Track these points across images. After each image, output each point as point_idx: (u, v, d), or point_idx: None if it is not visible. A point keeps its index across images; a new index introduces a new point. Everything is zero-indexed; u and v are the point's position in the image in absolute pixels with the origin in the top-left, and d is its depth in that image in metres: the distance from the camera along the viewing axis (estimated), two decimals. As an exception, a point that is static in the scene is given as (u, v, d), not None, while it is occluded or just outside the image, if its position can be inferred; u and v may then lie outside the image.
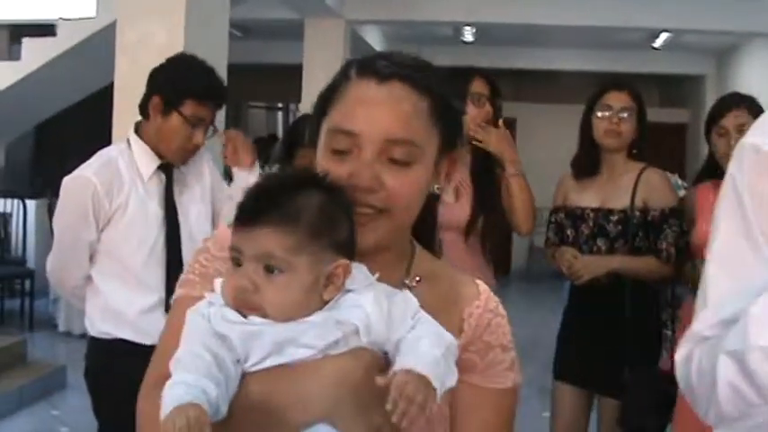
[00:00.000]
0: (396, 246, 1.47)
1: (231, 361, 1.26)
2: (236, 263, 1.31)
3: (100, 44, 7.58)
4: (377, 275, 1.36)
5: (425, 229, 1.55)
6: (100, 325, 3.29)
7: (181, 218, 3.32)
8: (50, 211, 9.62)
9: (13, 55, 8.20)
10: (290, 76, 12.42)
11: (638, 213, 3.76)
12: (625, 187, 3.81)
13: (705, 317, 1.41)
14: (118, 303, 3.25)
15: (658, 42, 11.61)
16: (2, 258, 9.28)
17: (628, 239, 3.75)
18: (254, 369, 1.27)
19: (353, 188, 1.36)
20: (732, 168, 1.42)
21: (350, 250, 1.34)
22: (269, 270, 1.28)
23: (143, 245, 3.24)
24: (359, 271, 1.35)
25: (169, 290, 3.22)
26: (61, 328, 8.48)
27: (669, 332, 4.06)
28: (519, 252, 14.78)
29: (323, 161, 1.42)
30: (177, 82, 3.25)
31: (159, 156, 3.30)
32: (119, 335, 3.23)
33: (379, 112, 1.38)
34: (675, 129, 14.34)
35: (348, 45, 9.76)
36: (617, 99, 3.89)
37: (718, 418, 1.37)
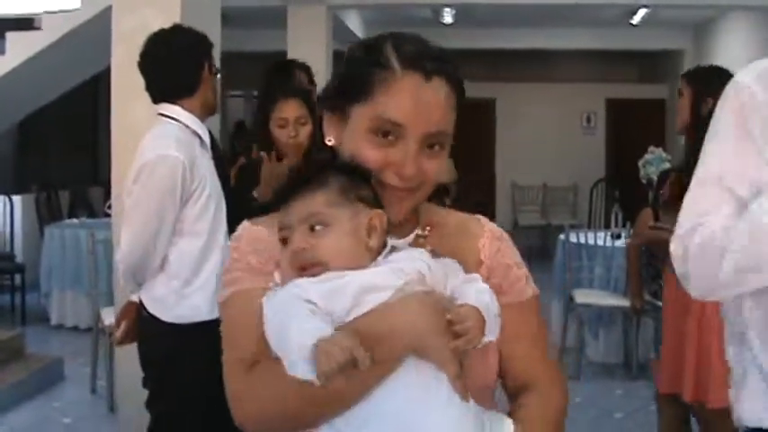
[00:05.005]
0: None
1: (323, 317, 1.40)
2: (284, 242, 1.51)
3: (85, 37, 7.57)
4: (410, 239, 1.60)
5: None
6: (175, 309, 3.29)
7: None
8: (37, 205, 9.63)
9: (-4, 50, 8.15)
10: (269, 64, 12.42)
11: None
12: None
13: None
14: (195, 282, 3.30)
15: (636, 19, 11.68)
16: (-10, 254, 9.28)
17: None
18: (339, 325, 1.40)
19: (398, 174, 1.55)
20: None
21: (378, 206, 1.53)
22: (314, 229, 1.48)
23: (217, 217, 3.33)
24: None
25: None
26: (54, 321, 8.46)
27: None
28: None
29: (360, 142, 1.57)
30: (204, 43, 3.44)
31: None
32: (193, 317, 3.26)
33: (427, 108, 1.54)
34: (655, 104, 14.46)
35: (330, 31, 9.79)
36: None
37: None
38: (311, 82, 4.69)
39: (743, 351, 1.91)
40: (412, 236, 1.59)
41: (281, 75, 4.66)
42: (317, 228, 1.47)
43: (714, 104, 3.87)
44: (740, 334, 1.91)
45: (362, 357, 1.32)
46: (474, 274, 1.56)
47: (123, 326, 3.54)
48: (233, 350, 1.54)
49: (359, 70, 1.58)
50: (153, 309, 3.34)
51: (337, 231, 1.47)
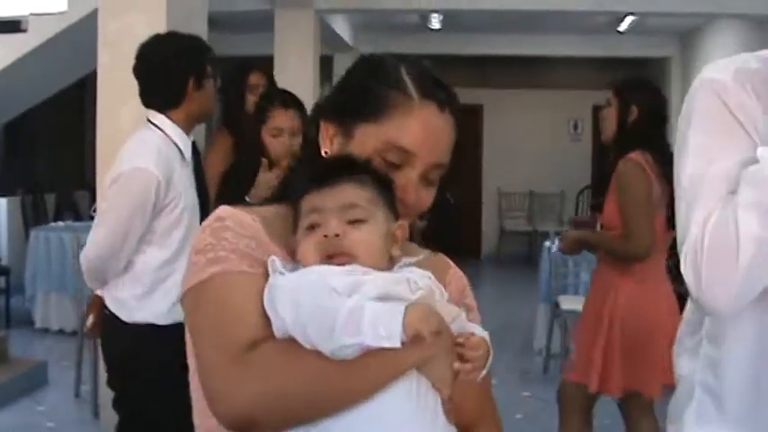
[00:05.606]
0: None
1: None
2: (311, 227, 1.44)
3: (72, 40, 7.54)
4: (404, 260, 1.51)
5: None
6: (136, 312, 3.31)
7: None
8: (23, 208, 9.60)
9: (-19, 53, 8.11)
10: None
11: None
12: None
13: (698, 216, 1.64)
14: (159, 289, 3.31)
15: (623, 26, 11.72)
16: (-25, 257, 9.24)
17: None
18: None
19: (401, 200, 1.53)
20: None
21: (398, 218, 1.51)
22: (351, 222, 1.43)
23: (191, 229, 3.31)
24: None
25: None
26: (38, 324, 8.43)
27: None
28: (489, 236, 14.89)
29: None
30: (196, 54, 3.41)
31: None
32: (155, 321, 3.27)
33: (437, 139, 1.55)
34: (642, 111, 14.45)
35: (318, 35, 9.79)
36: None
37: (738, 293, 1.59)
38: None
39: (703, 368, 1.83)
40: (422, 256, 1.57)
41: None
42: (354, 219, 1.43)
43: (639, 114, 4.00)
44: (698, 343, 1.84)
45: (447, 327, 1.35)
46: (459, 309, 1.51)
47: (92, 317, 3.67)
48: (220, 336, 1.40)
49: (373, 90, 1.56)
50: (114, 308, 3.37)
51: (373, 229, 1.43)
